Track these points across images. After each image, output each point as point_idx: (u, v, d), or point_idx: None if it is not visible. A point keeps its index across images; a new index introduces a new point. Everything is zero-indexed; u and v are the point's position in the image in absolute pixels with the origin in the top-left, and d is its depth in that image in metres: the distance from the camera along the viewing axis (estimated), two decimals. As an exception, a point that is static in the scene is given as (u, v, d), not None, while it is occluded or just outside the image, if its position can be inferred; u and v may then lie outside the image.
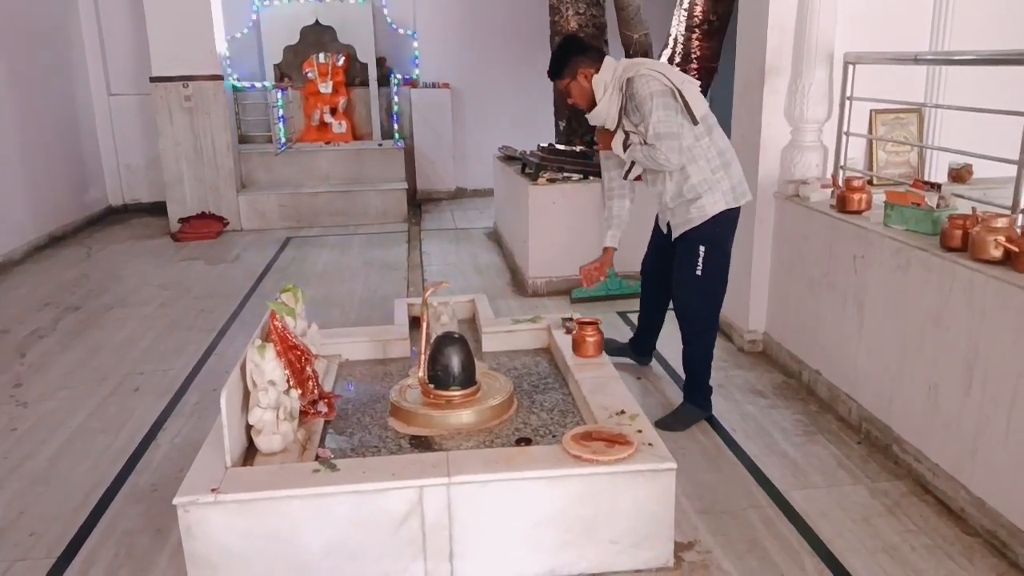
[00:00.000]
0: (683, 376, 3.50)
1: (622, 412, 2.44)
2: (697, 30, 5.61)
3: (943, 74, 3.90)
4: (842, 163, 3.82)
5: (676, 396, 3.67)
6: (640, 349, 4.00)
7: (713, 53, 5.71)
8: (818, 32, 3.64)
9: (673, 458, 2.16)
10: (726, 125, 4.37)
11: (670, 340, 4.34)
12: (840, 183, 3.63)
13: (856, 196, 3.38)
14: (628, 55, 6.02)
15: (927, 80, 3.94)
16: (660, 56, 5.91)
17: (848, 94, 3.74)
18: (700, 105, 3.11)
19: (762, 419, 3.43)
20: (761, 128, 3.91)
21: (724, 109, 5.23)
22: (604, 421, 2.40)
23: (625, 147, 3.21)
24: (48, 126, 7.29)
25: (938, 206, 2.97)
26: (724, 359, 4.10)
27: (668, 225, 3.36)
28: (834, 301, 3.46)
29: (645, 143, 3.09)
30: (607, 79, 3.17)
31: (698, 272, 3.21)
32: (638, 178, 3.39)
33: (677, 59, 5.75)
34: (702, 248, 3.20)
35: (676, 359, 4.06)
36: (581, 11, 5.85)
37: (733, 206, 3.23)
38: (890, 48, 3.64)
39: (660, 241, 3.52)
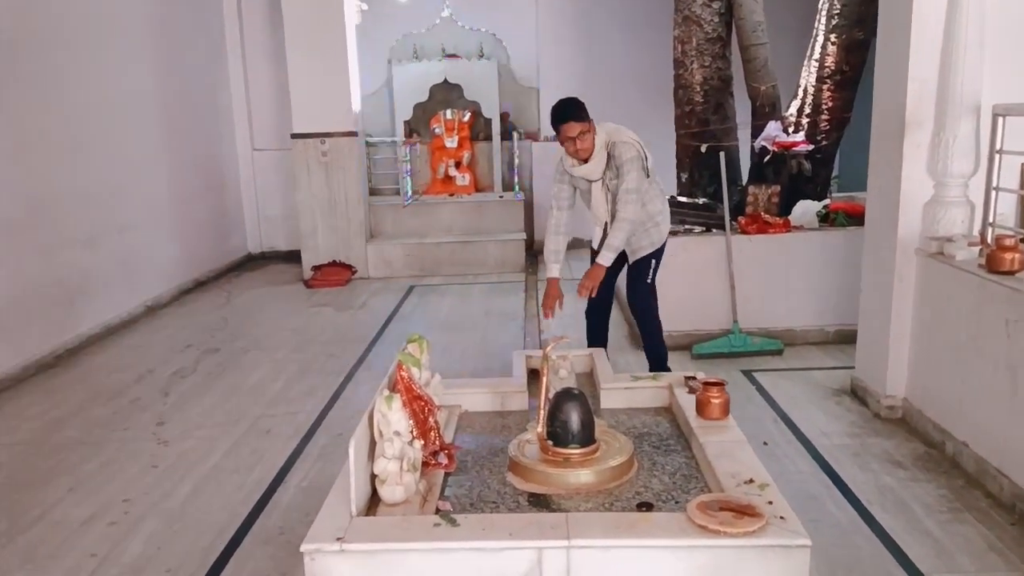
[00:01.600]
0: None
1: (751, 481, 2.33)
2: (828, 81, 5.47)
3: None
4: (991, 220, 3.58)
5: (807, 463, 3.50)
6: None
7: (845, 104, 5.55)
8: (963, 83, 3.47)
9: (807, 533, 2.03)
10: (861, 176, 4.22)
11: (798, 402, 4.16)
12: (989, 241, 3.40)
13: (1008, 255, 3.15)
14: (755, 108, 5.94)
15: (1088, 131, 3.66)
16: (789, 107, 5.79)
17: (997, 147, 3.52)
18: (651, 163, 3.96)
19: (902, 492, 3.20)
20: (901, 182, 3.73)
21: (857, 161, 5.03)
22: (731, 490, 2.30)
23: (604, 188, 3.93)
24: (198, 179, 7.89)
25: (1105, 268, 2.72)
26: (860, 425, 3.87)
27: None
28: (983, 367, 3.22)
29: (610, 190, 3.91)
30: (601, 142, 3.82)
31: (648, 280, 4.08)
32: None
33: (807, 110, 5.62)
34: (653, 261, 4.07)
35: (806, 423, 3.89)
36: (706, 64, 5.81)
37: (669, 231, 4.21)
38: (1045, 98, 3.41)
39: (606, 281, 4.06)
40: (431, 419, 2.73)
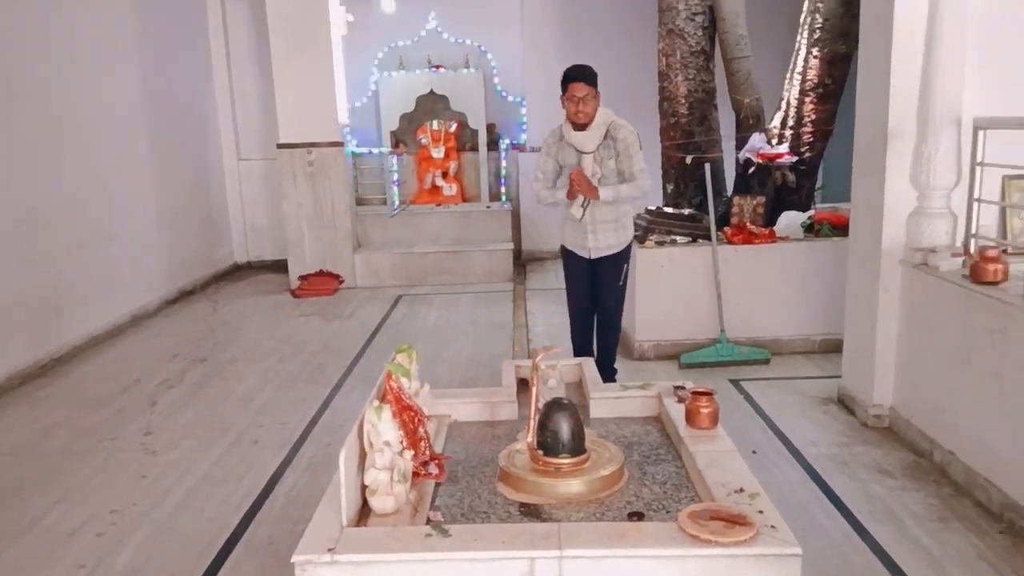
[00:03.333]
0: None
1: (741, 490, 2.34)
2: (811, 93, 5.53)
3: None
4: (973, 231, 3.63)
5: (796, 472, 3.52)
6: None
7: (828, 116, 5.61)
8: (944, 96, 3.52)
9: (798, 543, 2.05)
10: (845, 188, 4.27)
11: (785, 411, 4.19)
12: (972, 252, 3.45)
13: (991, 267, 3.20)
14: (739, 120, 5.98)
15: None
16: (772, 119, 5.85)
17: (979, 160, 3.58)
18: None
19: (891, 501, 3.23)
20: (884, 193, 3.78)
21: (840, 172, 5.09)
22: (722, 499, 2.31)
23: (594, 162, 3.93)
24: (183, 188, 7.85)
25: (1087, 279, 2.77)
26: (847, 434, 3.90)
27: (589, 249, 4.10)
28: (970, 377, 3.26)
29: (619, 174, 3.93)
30: (602, 118, 3.89)
31: (620, 283, 4.19)
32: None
33: (791, 122, 5.67)
34: (625, 266, 4.19)
35: (794, 432, 3.92)
36: (691, 76, 5.86)
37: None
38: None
39: (584, 269, 4.17)
40: (421, 429, 2.72)
